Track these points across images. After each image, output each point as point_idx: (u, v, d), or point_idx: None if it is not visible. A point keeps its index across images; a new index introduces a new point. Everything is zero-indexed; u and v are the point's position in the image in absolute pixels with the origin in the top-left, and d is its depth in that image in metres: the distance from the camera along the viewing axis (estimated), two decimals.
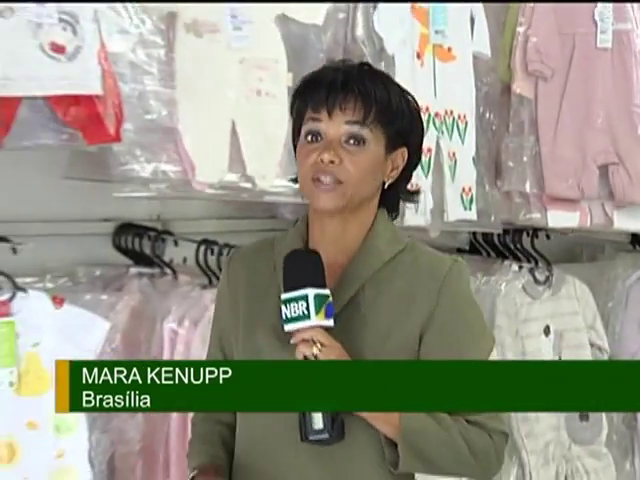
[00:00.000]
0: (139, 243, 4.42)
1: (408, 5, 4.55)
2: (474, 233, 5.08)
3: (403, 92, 3.02)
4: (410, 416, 2.85)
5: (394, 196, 3.06)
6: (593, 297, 5.14)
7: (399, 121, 2.96)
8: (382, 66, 4.36)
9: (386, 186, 2.99)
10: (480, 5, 4.72)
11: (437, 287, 2.96)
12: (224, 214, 4.64)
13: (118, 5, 3.99)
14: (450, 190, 4.66)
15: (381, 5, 4.48)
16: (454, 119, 4.62)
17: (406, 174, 3.03)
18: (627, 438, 5.16)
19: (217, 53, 4.24)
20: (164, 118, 4.11)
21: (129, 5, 4.03)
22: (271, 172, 4.30)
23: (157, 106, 4.09)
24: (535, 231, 5.03)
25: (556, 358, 4.97)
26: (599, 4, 4.92)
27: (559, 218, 4.85)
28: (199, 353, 4.17)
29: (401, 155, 2.98)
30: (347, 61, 3.10)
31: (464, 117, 4.64)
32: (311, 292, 2.76)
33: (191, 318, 4.24)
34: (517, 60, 4.76)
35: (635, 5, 4.95)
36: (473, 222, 4.78)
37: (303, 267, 2.84)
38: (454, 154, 4.64)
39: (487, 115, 4.76)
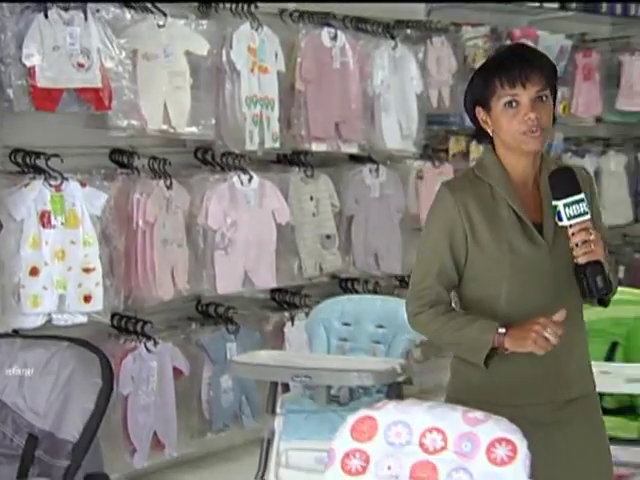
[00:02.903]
0: (120, 158, 4.34)
1: (246, 47, 4.54)
2: (278, 154, 4.99)
3: (544, 55, 2.48)
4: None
5: None
6: (334, 183, 5.09)
7: (555, 78, 2.46)
8: (234, 77, 4.51)
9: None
10: (280, 47, 4.72)
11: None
12: (160, 144, 4.49)
13: (109, 44, 4.02)
14: (267, 133, 4.67)
15: (234, 47, 4.50)
16: (268, 101, 4.66)
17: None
18: None
19: (157, 68, 4.27)
20: (132, 99, 4.15)
21: (115, 45, 4.04)
22: (182, 124, 4.35)
23: (128, 93, 4.14)
24: (306, 153, 4.97)
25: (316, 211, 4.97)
26: (334, 50, 4.94)
27: (318, 146, 4.94)
28: (149, 209, 4.23)
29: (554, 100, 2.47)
30: (510, 46, 2.56)
31: (272, 99, 4.68)
32: (583, 196, 2.32)
33: (146, 192, 4.23)
34: (297, 73, 4.85)
35: (350, 48, 4.99)
36: (277, 148, 4.78)
37: (571, 179, 2.35)
38: (269, 117, 4.67)
39: (284, 99, 4.78)
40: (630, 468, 3.52)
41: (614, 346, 3.82)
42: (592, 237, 2.31)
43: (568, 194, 2.32)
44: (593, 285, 2.31)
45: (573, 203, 2.31)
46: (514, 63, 2.39)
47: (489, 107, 2.42)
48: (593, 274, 2.31)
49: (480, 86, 2.43)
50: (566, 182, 2.35)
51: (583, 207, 2.32)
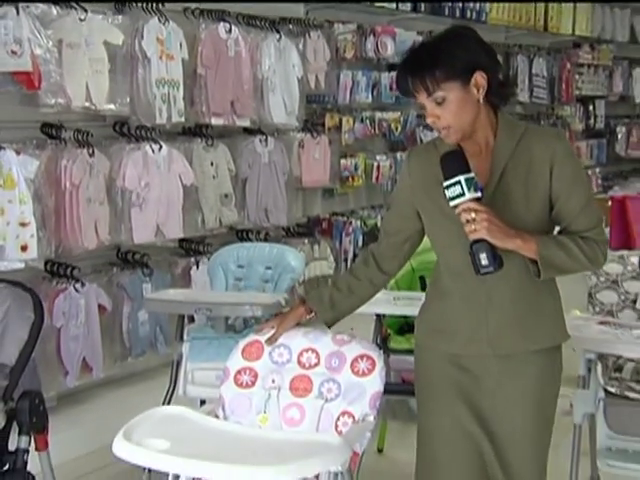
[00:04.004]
0: (50, 130, 4.16)
1: (155, 38, 4.37)
2: (183, 127, 4.76)
3: (449, 43, 2.05)
4: (543, 243, 2.05)
5: (497, 97, 2.12)
6: (230, 151, 4.93)
7: (457, 66, 2.04)
8: (145, 63, 4.35)
9: (481, 100, 2.07)
10: (183, 38, 4.55)
11: (552, 150, 2.10)
12: (84, 119, 4.32)
13: (37, 35, 3.85)
14: (174, 110, 4.47)
15: (145, 38, 4.34)
16: (174, 83, 4.50)
17: (495, 80, 2.09)
18: None
19: (80, 55, 4.10)
20: (58, 81, 4.00)
21: (43, 35, 3.87)
22: (102, 102, 4.20)
23: (55, 76, 3.97)
24: (207, 126, 4.79)
25: (215, 174, 4.82)
26: (229, 41, 4.78)
27: (216, 121, 4.78)
28: (75, 173, 4.06)
29: (480, 76, 2.05)
30: (407, 53, 2.11)
31: (178, 81, 4.51)
32: (462, 178, 2.00)
33: (72, 159, 4.09)
34: (198, 60, 4.69)
35: (242, 40, 4.86)
36: (182, 122, 4.59)
37: (453, 162, 2.04)
38: (175, 96, 4.48)
39: (187, 82, 4.63)
40: None
41: None
42: (473, 216, 2.00)
43: (446, 177, 2.04)
44: (478, 262, 2.02)
45: (450, 186, 2.02)
46: (400, 76, 2.09)
47: None
48: (477, 251, 2.01)
49: None
50: (447, 165, 2.06)
51: (459, 189, 2.01)
